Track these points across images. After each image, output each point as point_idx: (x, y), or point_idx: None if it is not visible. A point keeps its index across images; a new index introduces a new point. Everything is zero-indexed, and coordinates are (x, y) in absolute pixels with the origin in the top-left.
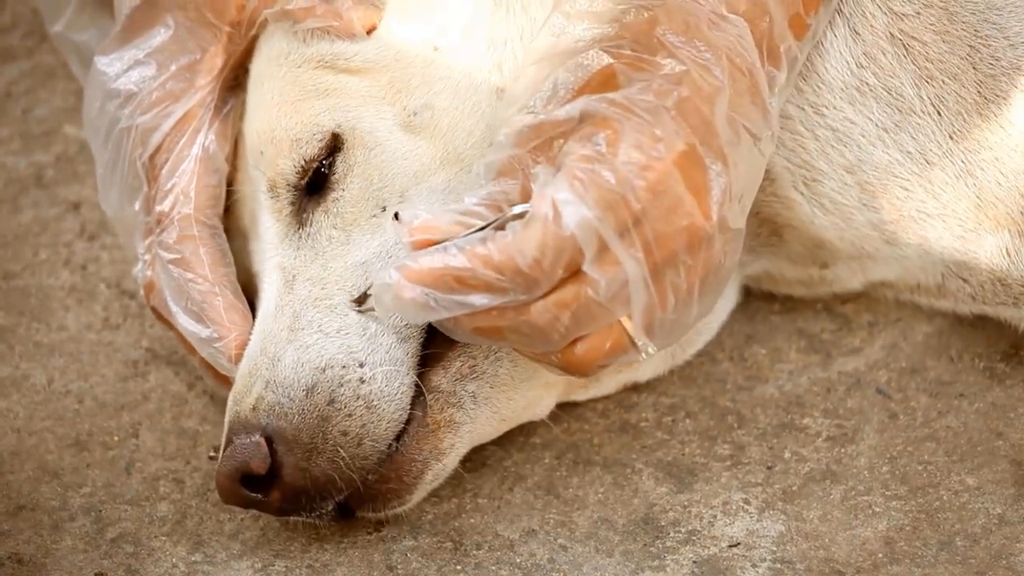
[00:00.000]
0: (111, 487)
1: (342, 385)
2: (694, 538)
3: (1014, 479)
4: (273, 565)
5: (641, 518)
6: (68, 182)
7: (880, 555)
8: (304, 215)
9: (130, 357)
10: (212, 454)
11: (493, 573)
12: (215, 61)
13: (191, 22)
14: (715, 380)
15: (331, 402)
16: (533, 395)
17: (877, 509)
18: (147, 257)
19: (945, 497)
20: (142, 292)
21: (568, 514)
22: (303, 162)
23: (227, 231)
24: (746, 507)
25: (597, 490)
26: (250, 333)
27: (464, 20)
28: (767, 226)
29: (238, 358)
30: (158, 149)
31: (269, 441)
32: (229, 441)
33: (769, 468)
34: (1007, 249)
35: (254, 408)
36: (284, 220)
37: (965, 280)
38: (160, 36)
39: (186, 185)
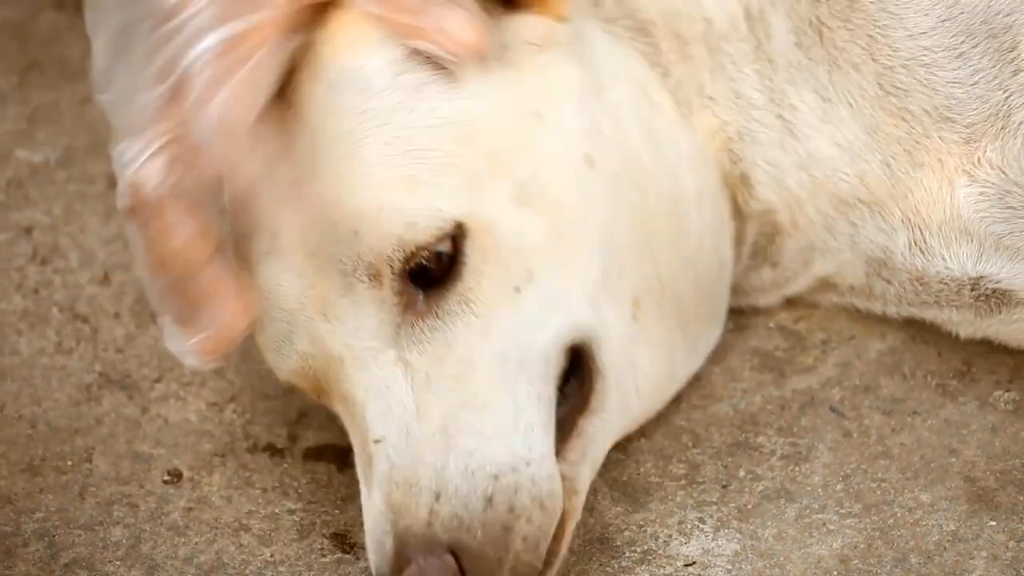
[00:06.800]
0: (64, 512)
1: (518, 491)
2: (650, 558)
3: (967, 496)
4: None
5: (596, 538)
6: (20, 207)
7: (835, 573)
8: (420, 306)
9: (83, 381)
10: (167, 478)
11: None
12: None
13: None
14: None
15: (511, 509)
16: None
17: (831, 527)
18: (154, 146)
19: (899, 514)
20: (128, 191)
21: None
22: (414, 248)
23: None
24: (701, 526)
25: None
26: None
27: (564, 92)
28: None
29: None
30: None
31: (455, 557)
32: (406, 560)
33: (724, 487)
34: (919, 245)
35: (429, 523)
36: (390, 310)
37: (888, 281)
38: None
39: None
